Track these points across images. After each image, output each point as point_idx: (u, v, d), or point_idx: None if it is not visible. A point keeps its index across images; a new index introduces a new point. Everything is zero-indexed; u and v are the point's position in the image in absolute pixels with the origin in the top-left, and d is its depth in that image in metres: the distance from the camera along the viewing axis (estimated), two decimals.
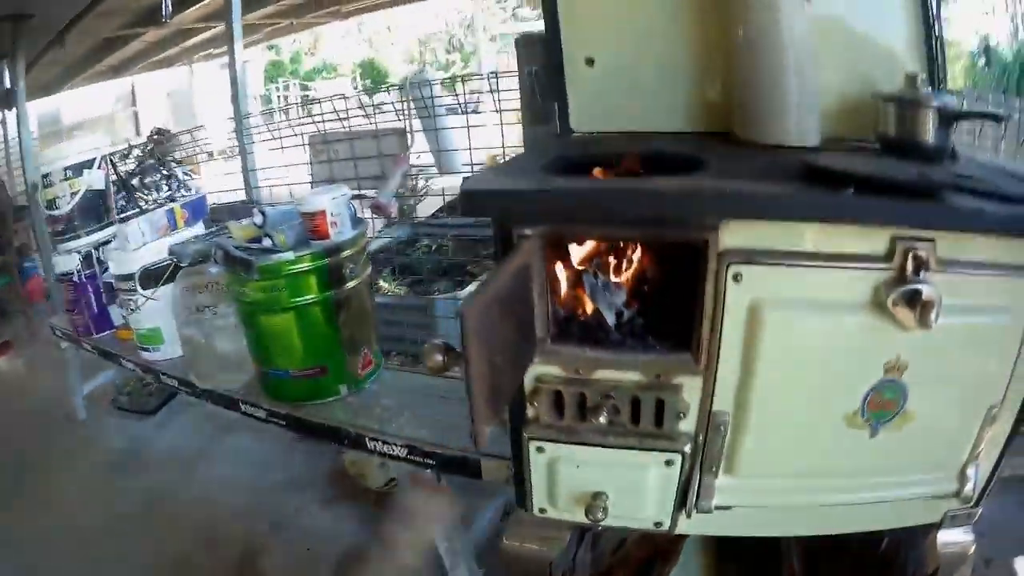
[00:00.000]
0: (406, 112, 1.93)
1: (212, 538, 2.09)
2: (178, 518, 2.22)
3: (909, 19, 1.38)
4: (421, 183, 1.88)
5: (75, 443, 2.70)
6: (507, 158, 1.11)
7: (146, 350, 2.15)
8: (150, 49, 5.95)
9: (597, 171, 1.13)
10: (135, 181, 6.05)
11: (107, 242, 2.38)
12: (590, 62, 1.54)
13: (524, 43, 1.73)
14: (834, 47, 1.32)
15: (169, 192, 6.31)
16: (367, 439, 1.64)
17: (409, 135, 1.95)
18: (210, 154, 8.13)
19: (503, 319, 0.85)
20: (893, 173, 0.92)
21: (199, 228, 2.17)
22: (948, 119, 1.19)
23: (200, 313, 1.79)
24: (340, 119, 2.06)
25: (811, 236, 0.94)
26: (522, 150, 1.68)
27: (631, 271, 1.08)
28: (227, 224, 1.63)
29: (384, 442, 1.62)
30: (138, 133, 6.99)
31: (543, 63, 1.65)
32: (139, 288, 1.99)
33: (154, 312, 2.03)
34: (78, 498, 2.39)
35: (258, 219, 1.64)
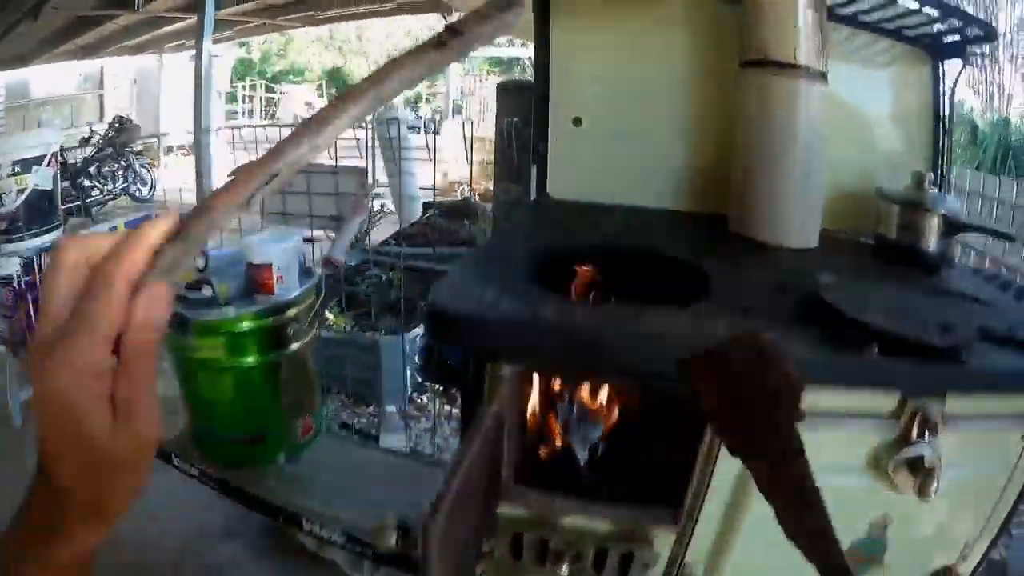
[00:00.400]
0: (369, 151, 1.76)
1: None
2: (105, 565, 1.99)
3: (919, 113, 1.32)
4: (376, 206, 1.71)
5: (7, 450, 2.44)
6: (479, 252, 0.97)
7: None
8: (122, 33, 5.66)
9: (584, 274, 1.00)
10: (92, 169, 5.80)
11: (47, 249, 2.17)
12: (577, 122, 1.42)
13: (505, 90, 1.60)
14: (839, 138, 1.24)
15: (124, 184, 6.05)
16: (304, 520, 1.47)
17: (370, 176, 1.78)
18: (169, 148, 7.84)
19: (470, 508, 0.72)
20: (917, 331, 0.80)
21: None
22: (953, 230, 1.14)
23: None
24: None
25: (822, 397, 0.82)
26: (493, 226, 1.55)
27: (611, 404, 0.94)
28: None
29: (322, 526, 1.45)
30: (102, 117, 6.64)
31: (524, 116, 1.52)
32: None
33: None
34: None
35: (199, 262, 1.46)
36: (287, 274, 1.47)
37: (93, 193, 5.48)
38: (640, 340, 0.78)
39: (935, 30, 1.27)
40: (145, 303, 0.33)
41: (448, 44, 0.39)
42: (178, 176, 3.82)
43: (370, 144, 1.76)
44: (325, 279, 1.61)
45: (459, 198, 6.22)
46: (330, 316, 3.26)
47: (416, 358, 3.25)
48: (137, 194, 5.93)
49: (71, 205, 4.42)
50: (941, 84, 1.31)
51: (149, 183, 6.06)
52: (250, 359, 1.46)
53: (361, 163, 1.94)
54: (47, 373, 0.32)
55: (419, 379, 3.34)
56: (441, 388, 3.33)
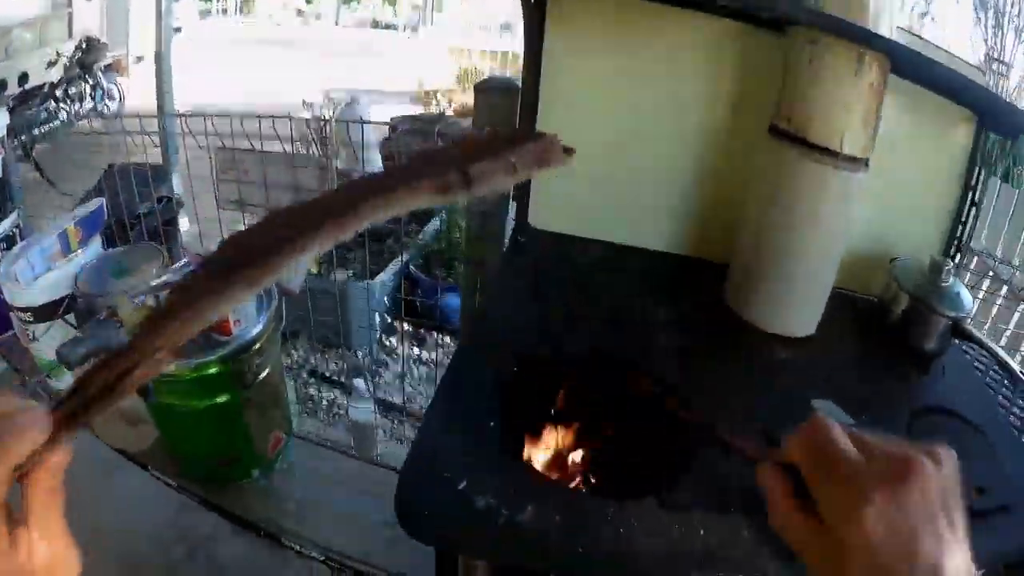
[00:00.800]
0: (327, 153, 1.62)
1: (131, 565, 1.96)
2: (100, 534, 2.07)
3: (950, 179, 1.19)
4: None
5: None
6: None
7: (48, 377, 1.92)
8: None
9: (565, 436, 0.92)
10: (59, 92, 5.51)
11: (2, 240, 2.07)
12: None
13: (486, 91, 1.43)
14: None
15: (92, 103, 5.76)
16: (283, 539, 1.51)
17: (331, 172, 1.65)
18: (140, 58, 7.34)
19: None
20: None
21: (96, 244, 1.86)
22: (958, 334, 1.09)
23: None
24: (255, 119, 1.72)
25: None
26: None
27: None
28: (117, 302, 1.36)
29: (301, 545, 1.49)
30: (70, 35, 6.19)
31: (506, 122, 1.37)
32: (34, 321, 1.73)
33: (53, 344, 1.78)
34: None
35: (151, 301, 1.38)
36: (244, 315, 1.39)
37: (60, 115, 5.23)
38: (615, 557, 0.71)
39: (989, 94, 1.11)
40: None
41: (452, 190, 0.37)
42: (149, 85, 3.55)
43: (331, 145, 1.60)
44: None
45: (434, 111, 5.91)
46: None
47: (386, 300, 3.22)
48: (105, 111, 5.72)
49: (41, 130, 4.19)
50: (982, 154, 1.15)
51: (118, 97, 5.83)
52: (215, 400, 1.42)
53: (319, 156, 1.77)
54: None
55: (388, 320, 3.33)
56: (411, 329, 3.34)
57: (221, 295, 0.35)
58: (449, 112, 5.68)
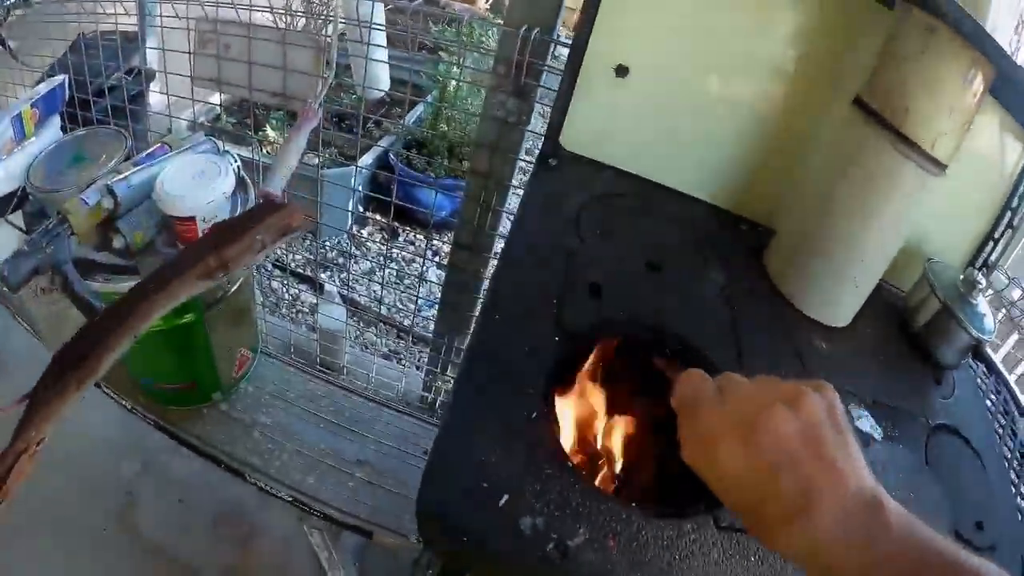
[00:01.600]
0: (332, 33, 1.37)
1: (87, 485, 1.82)
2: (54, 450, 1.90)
3: (991, 194, 1.12)
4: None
5: None
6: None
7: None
8: None
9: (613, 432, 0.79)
10: None
11: None
12: (622, 72, 1.11)
13: None
14: None
15: None
16: (246, 475, 1.37)
17: (331, 61, 1.40)
18: None
19: None
20: None
21: (54, 127, 1.57)
22: (975, 354, 1.09)
23: (50, 294, 1.34)
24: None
25: None
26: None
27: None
28: (67, 207, 1.13)
29: (267, 484, 1.35)
30: None
31: (546, 23, 1.17)
32: None
33: (7, 246, 1.53)
34: None
35: (107, 202, 1.15)
36: (214, 223, 1.18)
37: None
38: None
39: None
40: None
41: (214, 275, 0.48)
42: None
43: (335, 26, 1.35)
44: None
45: None
46: (271, 133, 2.88)
47: (361, 189, 2.98)
48: None
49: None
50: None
51: None
52: (178, 321, 1.23)
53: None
54: None
55: (361, 211, 3.10)
56: (385, 223, 3.13)
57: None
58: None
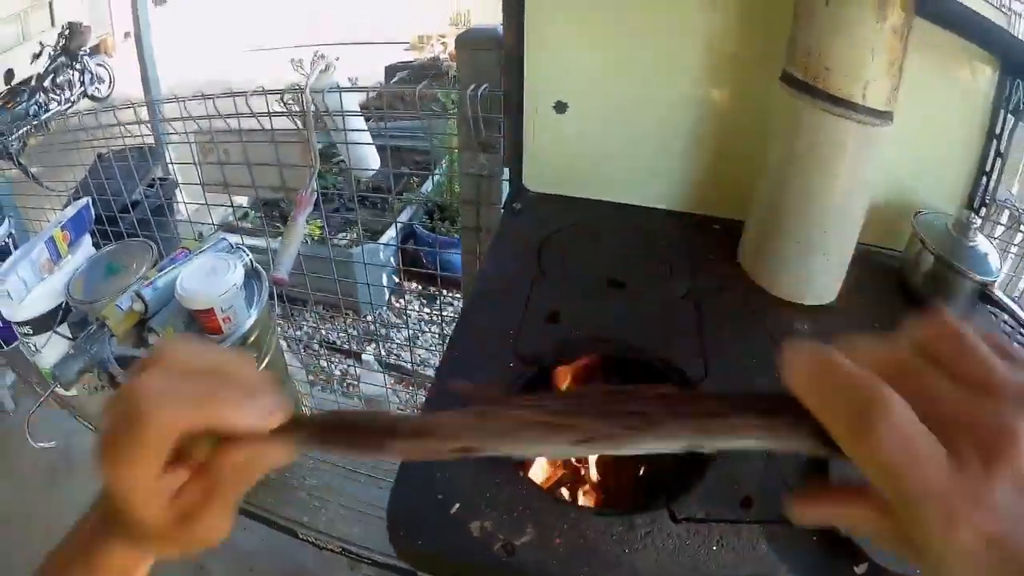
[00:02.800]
0: (307, 127, 1.52)
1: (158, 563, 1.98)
2: None
3: (971, 128, 1.08)
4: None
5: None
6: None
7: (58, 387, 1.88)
8: None
9: None
10: (47, 83, 5.40)
11: None
12: (561, 108, 1.18)
13: (468, 46, 1.32)
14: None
15: (82, 88, 5.64)
16: (298, 532, 1.49)
17: (314, 157, 1.55)
18: (127, 34, 7.14)
19: None
20: None
21: (86, 245, 1.79)
22: (984, 299, 1.01)
23: (102, 392, 1.52)
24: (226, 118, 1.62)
25: None
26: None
27: None
28: (105, 314, 1.30)
29: (316, 538, 1.47)
30: (53, 24, 6.04)
31: (492, 80, 1.27)
32: (33, 334, 1.68)
33: (56, 354, 1.74)
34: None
35: (138, 305, 1.32)
36: (233, 312, 1.32)
37: (51, 106, 5.13)
38: None
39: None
40: (257, 455, 0.35)
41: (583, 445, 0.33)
42: (136, 62, 3.45)
43: (310, 121, 1.50)
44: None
45: (428, 57, 5.72)
46: None
47: (391, 260, 3.12)
48: (97, 94, 5.62)
49: (30, 126, 4.09)
50: (1007, 101, 1.03)
51: (108, 79, 5.72)
52: None
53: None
54: (120, 426, 0.32)
55: (395, 281, 3.24)
56: (420, 289, 3.26)
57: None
58: (444, 56, 5.46)
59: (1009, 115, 1.03)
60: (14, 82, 5.45)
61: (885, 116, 0.90)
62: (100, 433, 0.33)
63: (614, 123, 1.18)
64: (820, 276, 1.04)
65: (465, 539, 0.65)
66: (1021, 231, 1.23)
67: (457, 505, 0.67)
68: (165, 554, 0.37)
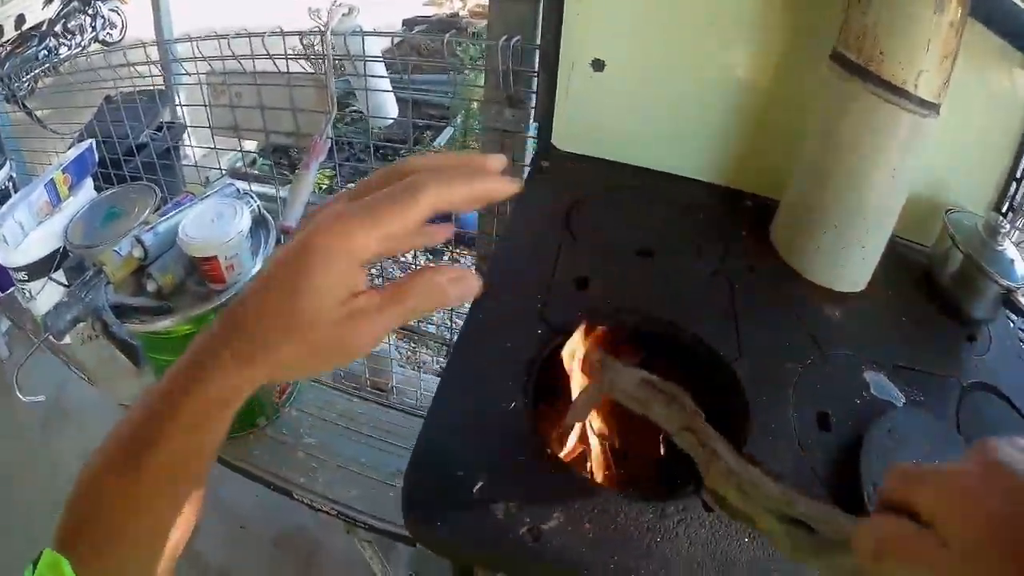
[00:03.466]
0: (327, 71, 1.43)
1: None
2: None
3: (1005, 127, 1.04)
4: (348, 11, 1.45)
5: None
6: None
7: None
8: None
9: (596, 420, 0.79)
10: (58, 28, 5.24)
11: None
12: (599, 65, 1.11)
13: None
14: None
15: (93, 33, 5.48)
16: (293, 493, 1.43)
17: (331, 101, 1.46)
18: None
19: None
20: None
21: (88, 188, 1.70)
22: (1009, 306, 0.98)
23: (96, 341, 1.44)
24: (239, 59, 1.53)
25: None
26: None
27: None
28: (101, 259, 1.22)
29: (312, 500, 1.41)
30: None
31: (527, 30, 1.19)
32: (29, 280, 1.60)
33: (52, 300, 1.66)
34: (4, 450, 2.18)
35: (137, 251, 1.24)
36: (238, 260, 1.24)
37: (62, 51, 4.99)
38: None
39: None
40: (456, 285, 0.38)
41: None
42: (149, 9, 3.32)
43: (330, 65, 1.41)
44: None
45: (447, 13, 5.58)
46: None
47: None
48: (108, 39, 5.49)
49: (40, 69, 3.95)
50: None
51: (120, 24, 5.57)
52: None
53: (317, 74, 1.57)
54: (321, 237, 0.34)
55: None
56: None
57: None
58: (463, 13, 5.32)
59: None
60: (25, 27, 5.29)
61: (933, 108, 0.86)
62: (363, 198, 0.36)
63: (652, 86, 1.12)
64: (855, 265, 1.00)
65: (489, 522, 0.58)
66: None
67: (480, 484, 0.60)
68: (292, 363, 0.37)
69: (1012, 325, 1.06)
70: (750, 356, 0.82)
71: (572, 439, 0.82)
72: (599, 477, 0.80)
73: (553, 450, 0.68)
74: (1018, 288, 0.97)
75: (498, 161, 0.39)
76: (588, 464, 0.81)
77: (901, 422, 0.79)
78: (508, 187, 0.39)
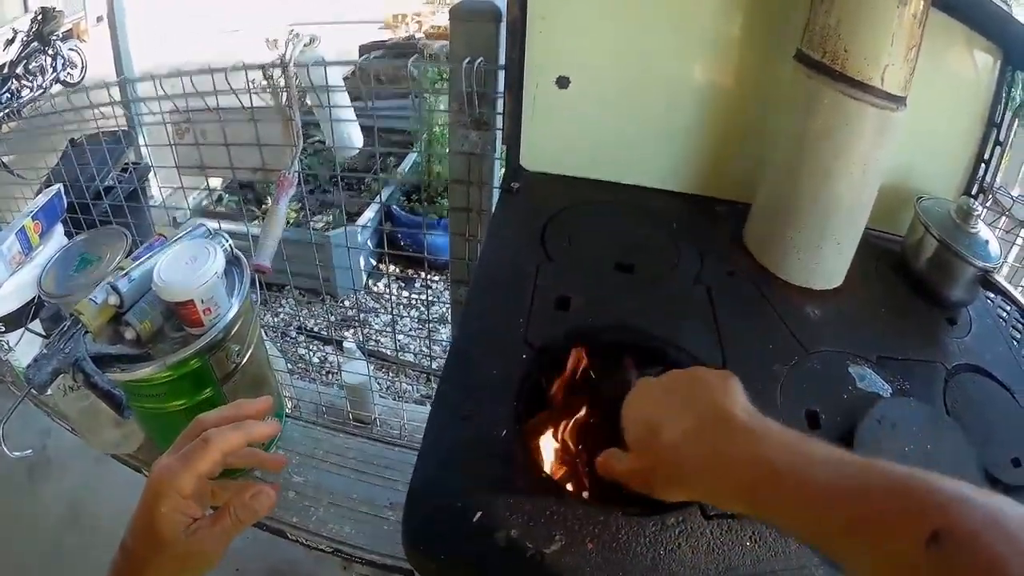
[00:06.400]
0: (290, 103, 1.43)
1: None
2: (98, 522, 1.99)
3: (972, 116, 1.08)
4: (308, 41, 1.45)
5: None
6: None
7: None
8: None
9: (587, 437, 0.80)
10: (19, 69, 5.20)
11: None
12: (563, 83, 1.13)
13: (462, 17, 1.24)
14: None
15: (54, 74, 5.45)
16: (287, 533, 1.41)
17: (295, 135, 1.46)
18: (99, 18, 6.88)
19: None
20: None
21: (58, 234, 1.69)
22: (987, 286, 1.02)
23: (77, 391, 1.42)
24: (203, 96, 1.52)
25: None
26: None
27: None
28: (78, 309, 1.20)
29: (307, 539, 1.39)
30: (26, 10, 5.84)
31: (488, 53, 1.20)
32: (5, 331, 1.57)
33: (31, 351, 1.63)
34: None
35: (113, 298, 1.23)
36: (214, 303, 1.24)
37: (24, 93, 4.95)
38: None
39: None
40: (255, 498, 0.58)
41: None
42: (109, 47, 3.30)
43: (294, 98, 1.41)
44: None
45: (403, 37, 5.63)
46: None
47: (369, 243, 3.02)
48: (68, 79, 5.47)
49: (2, 113, 3.91)
50: (1008, 88, 1.03)
51: (80, 64, 5.56)
52: (197, 398, 1.29)
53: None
54: (155, 483, 0.53)
55: (373, 264, 3.15)
56: (398, 272, 3.18)
57: None
58: (419, 35, 5.36)
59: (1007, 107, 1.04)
60: None
61: (900, 101, 0.88)
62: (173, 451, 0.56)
63: (617, 100, 1.14)
64: (831, 262, 1.02)
65: (492, 550, 0.59)
66: (1008, 217, 1.23)
67: (480, 513, 0.61)
68: (168, 570, 0.53)
69: (991, 304, 1.10)
70: (734, 362, 0.84)
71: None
72: (594, 494, 0.81)
73: (544, 466, 0.69)
74: (994, 268, 1.00)
75: (264, 403, 0.62)
76: (582, 482, 0.82)
77: (890, 411, 0.82)
78: (270, 430, 0.61)
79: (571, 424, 0.78)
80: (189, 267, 1.21)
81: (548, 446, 0.77)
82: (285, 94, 1.45)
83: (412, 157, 3.28)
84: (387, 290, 3.04)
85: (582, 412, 0.78)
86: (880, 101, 0.86)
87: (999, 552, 0.33)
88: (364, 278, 3.07)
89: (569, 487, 0.73)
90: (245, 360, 1.35)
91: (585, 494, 0.74)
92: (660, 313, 0.91)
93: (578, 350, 0.81)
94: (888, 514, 0.38)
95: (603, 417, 0.77)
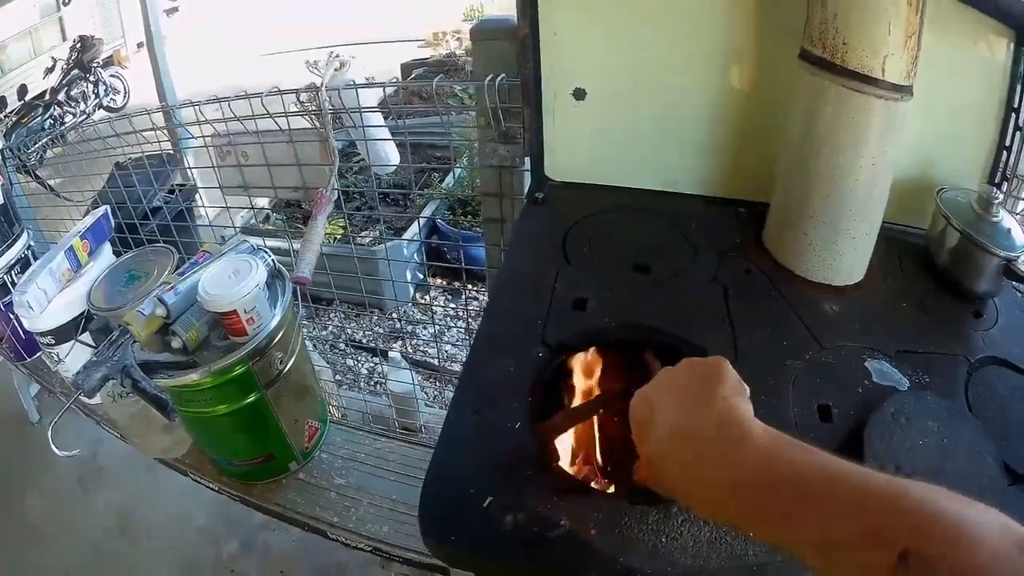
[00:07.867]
0: (324, 125, 1.52)
1: (186, 562, 2.02)
2: (150, 529, 2.12)
3: (990, 101, 1.05)
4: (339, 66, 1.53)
5: (26, 445, 2.52)
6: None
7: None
8: None
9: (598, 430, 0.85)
10: (61, 96, 5.50)
11: (16, 264, 2.04)
12: (580, 94, 1.18)
13: (482, 37, 1.30)
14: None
15: (97, 99, 5.74)
16: (328, 532, 1.49)
17: (332, 152, 1.56)
18: (140, 44, 7.25)
19: None
20: None
21: (107, 253, 1.81)
22: (1011, 276, 0.99)
23: (126, 399, 1.54)
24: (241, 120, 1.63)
25: None
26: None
27: None
28: (127, 320, 1.31)
29: (346, 538, 1.47)
30: (64, 38, 6.14)
31: (510, 69, 1.26)
32: (55, 344, 1.71)
33: (81, 360, 1.76)
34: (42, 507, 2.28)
35: (160, 310, 1.33)
36: (257, 313, 1.33)
37: (67, 119, 5.22)
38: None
39: None
40: None
41: None
42: (150, 73, 3.50)
43: (327, 120, 1.50)
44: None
45: (444, 54, 5.73)
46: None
47: (415, 256, 3.10)
48: (112, 104, 5.72)
49: (48, 138, 4.15)
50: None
51: (123, 90, 5.82)
52: (242, 403, 1.38)
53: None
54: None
55: (421, 277, 3.23)
56: (445, 284, 3.25)
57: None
58: (459, 52, 5.46)
59: None
60: (28, 97, 5.54)
61: (905, 90, 0.88)
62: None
63: (633, 108, 1.17)
64: (848, 256, 1.03)
65: (499, 534, 0.64)
66: None
67: (490, 499, 0.67)
68: None
69: (1020, 295, 1.07)
70: (746, 358, 0.86)
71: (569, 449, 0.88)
72: (603, 484, 0.85)
73: (557, 460, 0.74)
74: (1018, 256, 0.98)
75: None
76: (592, 472, 0.87)
77: (905, 405, 0.82)
78: None
79: (583, 417, 0.82)
80: (232, 280, 1.30)
81: (559, 438, 0.82)
82: (319, 117, 1.54)
83: (456, 171, 3.36)
84: (433, 303, 3.12)
85: (592, 406, 0.83)
86: (883, 92, 0.87)
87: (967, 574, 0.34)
88: (411, 291, 3.15)
89: (578, 476, 0.78)
90: (288, 367, 1.44)
91: (594, 484, 0.78)
92: (674, 311, 0.94)
93: (591, 347, 0.86)
94: (856, 535, 0.39)
95: (613, 411, 0.82)
